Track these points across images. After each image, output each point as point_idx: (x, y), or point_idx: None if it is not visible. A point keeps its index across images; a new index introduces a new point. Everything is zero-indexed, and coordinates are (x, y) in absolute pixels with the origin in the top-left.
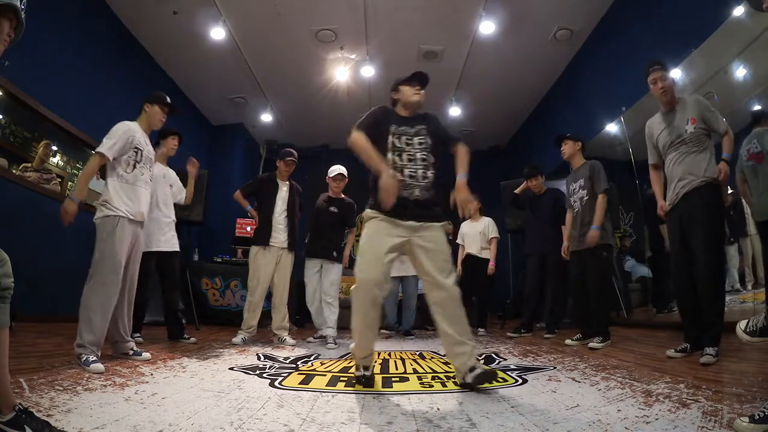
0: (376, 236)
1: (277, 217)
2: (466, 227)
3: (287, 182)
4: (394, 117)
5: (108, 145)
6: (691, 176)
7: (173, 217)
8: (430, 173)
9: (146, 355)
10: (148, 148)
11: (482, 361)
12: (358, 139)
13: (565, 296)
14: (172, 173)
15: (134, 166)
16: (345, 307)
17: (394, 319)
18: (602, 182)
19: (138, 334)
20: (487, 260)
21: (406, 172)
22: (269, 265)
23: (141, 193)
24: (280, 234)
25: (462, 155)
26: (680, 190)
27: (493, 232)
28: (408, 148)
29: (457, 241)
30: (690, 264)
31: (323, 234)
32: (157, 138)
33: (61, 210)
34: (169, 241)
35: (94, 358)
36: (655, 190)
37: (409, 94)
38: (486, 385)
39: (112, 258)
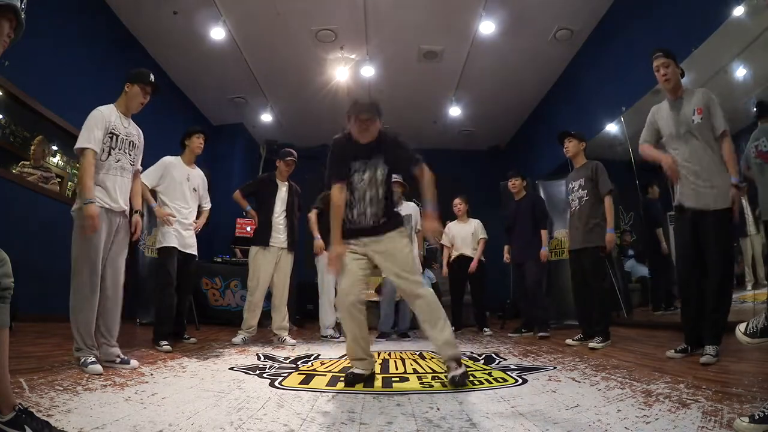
0: (348, 260)
1: (276, 218)
2: (454, 229)
3: (286, 182)
4: (351, 149)
5: (91, 139)
6: (705, 188)
7: (191, 219)
8: (380, 209)
9: (134, 362)
10: (127, 131)
11: (482, 361)
12: (334, 200)
13: (543, 297)
14: (197, 176)
15: (109, 153)
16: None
17: (390, 325)
18: (606, 184)
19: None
20: (482, 261)
21: (356, 211)
22: (269, 265)
23: (116, 181)
24: (279, 234)
25: (427, 182)
26: (694, 204)
27: (482, 233)
28: (359, 185)
29: (441, 242)
30: (697, 264)
31: None
32: (182, 139)
33: (86, 219)
34: (186, 243)
35: (92, 359)
36: (653, 155)
37: (354, 131)
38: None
39: (87, 250)
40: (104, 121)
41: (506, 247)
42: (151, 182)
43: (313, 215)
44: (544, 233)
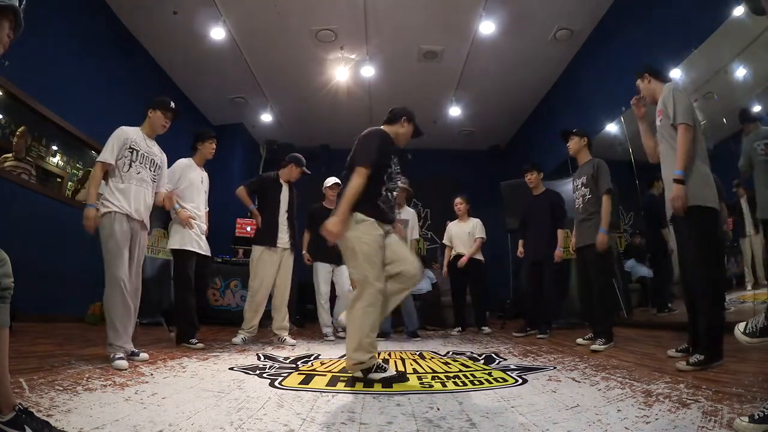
0: (375, 244)
1: (280, 218)
2: (454, 228)
3: (287, 183)
4: (392, 148)
5: (107, 153)
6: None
7: (204, 222)
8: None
9: (144, 355)
10: (148, 149)
11: (482, 361)
12: (363, 182)
13: (556, 299)
14: (206, 179)
15: (130, 165)
16: None
17: (389, 325)
18: (605, 182)
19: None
20: (478, 261)
21: (389, 200)
22: (273, 266)
23: (135, 191)
24: (284, 234)
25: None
26: (670, 213)
27: (480, 232)
28: (395, 179)
29: (443, 242)
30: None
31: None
32: (193, 142)
33: (83, 220)
34: (203, 246)
35: (120, 355)
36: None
37: (405, 137)
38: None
39: (116, 251)
40: (123, 137)
41: (520, 241)
42: (171, 184)
43: (307, 235)
44: (560, 233)
